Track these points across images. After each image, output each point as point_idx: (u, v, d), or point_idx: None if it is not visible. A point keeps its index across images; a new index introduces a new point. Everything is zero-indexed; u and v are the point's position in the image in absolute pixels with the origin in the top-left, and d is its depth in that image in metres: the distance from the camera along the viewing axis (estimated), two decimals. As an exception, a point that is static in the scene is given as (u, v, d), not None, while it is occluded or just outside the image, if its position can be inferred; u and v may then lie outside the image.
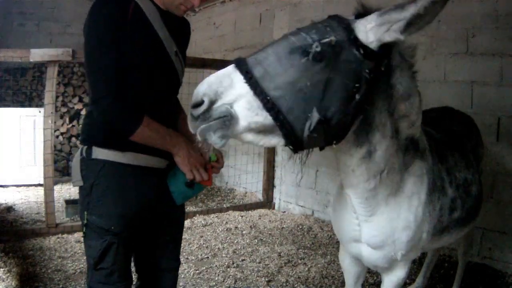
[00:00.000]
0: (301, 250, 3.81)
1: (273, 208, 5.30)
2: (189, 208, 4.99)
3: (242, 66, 1.16)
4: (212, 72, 1.23)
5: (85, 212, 1.62)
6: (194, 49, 7.08)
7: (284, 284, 3.14)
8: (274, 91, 1.14)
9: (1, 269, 3.13)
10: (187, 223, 4.48)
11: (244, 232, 4.28)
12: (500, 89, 3.33)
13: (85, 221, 1.63)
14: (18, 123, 5.71)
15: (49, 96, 3.91)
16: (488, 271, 3.30)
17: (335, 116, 1.18)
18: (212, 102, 1.14)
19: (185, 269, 3.31)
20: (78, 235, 3.93)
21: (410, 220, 1.57)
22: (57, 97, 6.03)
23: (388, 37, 1.19)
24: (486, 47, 3.39)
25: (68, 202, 4.68)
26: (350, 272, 1.96)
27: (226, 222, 4.58)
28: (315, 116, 1.15)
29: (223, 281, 3.14)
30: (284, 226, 4.52)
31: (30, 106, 6.68)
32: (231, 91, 1.14)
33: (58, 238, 3.86)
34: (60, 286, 2.95)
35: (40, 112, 5.42)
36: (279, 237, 4.15)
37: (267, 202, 5.29)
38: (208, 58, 5.74)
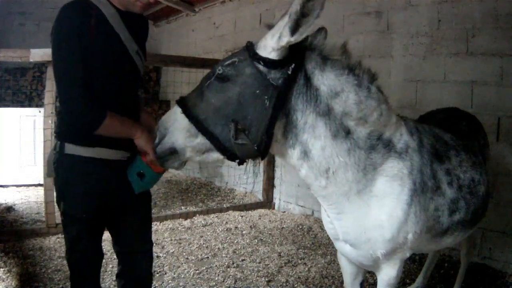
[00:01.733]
0: (301, 250, 3.81)
1: (273, 208, 5.30)
2: (189, 208, 5.00)
3: (181, 102, 1.47)
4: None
5: (61, 202, 1.82)
6: (194, 49, 7.08)
7: (284, 284, 3.14)
8: (201, 115, 1.42)
9: (1, 269, 3.13)
10: (187, 223, 4.49)
11: (244, 232, 4.28)
12: (500, 89, 3.33)
13: (62, 210, 1.84)
14: (18, 123, 5.70)
15: (49, 96, 3.91)
16: (488, 271, 3.30)
17: (253, 123, 1.38)
18: (162, 137, 1.50)
19: (185, 269, 3.31)
20: (78, 235, 3.93)
21: (382, 219, 1.57)
22: (57, 97, 6.02)
23: (282, 43, 1.34)
24: (486, 47, 3.39)
25: (68, 202, 4.68)
26: (347, 271, 1.98)
27: (226, 222, 4.59)
28: (232, 126, 1.37)
29: (223, 281, 3.15)
30: (284, 226, 4.53)
31: (30, 106, 6.69)
32: (175, 124, 1.47)
33: (58, 238, 3.86)
34: (60, 286, 2.95)
35: (40, 112, 5.41)
36: (279, 237, 4.15)
37: (267, 202, 5.29)
38: (208, 58, 5.75)
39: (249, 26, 5.92)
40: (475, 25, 3.45)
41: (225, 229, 4.34)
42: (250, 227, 4.45)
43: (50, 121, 3.91)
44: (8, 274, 3.07)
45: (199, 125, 1.41)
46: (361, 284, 2.00)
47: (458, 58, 3.57)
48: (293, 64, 1.39)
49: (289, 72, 1.38)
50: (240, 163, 1.49)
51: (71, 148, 1.76)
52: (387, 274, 1.73)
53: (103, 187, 1.80)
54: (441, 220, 1.73)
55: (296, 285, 3.12)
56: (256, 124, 1.38)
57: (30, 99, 6.99)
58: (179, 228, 4.33)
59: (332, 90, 1.44)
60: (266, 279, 3.18)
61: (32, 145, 5.59)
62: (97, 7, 1.69)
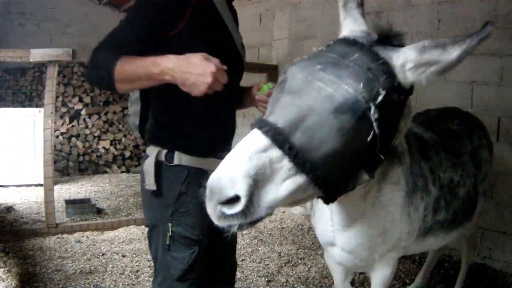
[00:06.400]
0: (301, 250, 3.81)
1: (273, 208, 5.29)
2: (189, 208, 4.99)
3: (279, 138, 0.94)
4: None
5: (169, 224, 1.54)
6: (194, 49, 7.07)
7: (284, 284, 3.14)
8: (320, 163, 0.95)
9: (1, 269, 3.13)
10: (187, 223, 4.48)
11: (244, 232, 4.28)
12: (500, 89, 3.33)
13: (170, 233, 1.55)
14: (18, 123, 5.71)
15: (49, 96, 3.91)
16: (488, 271, 3.30)
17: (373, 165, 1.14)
18: (251, 197, 0.93)
19: (185, 269, 3.31)
20: (78, 235, 3.93)
21: (385, 227, 1.55)
22: (57, 97, 6.03)
23: (424, 80, 1.10)
24: (486, 47, 3.38)
25: (68, 202, 4.68)
26: (336, 271, 1.96)
27: (226, 222, 4.58)
28: (364, 177, 1.09)
29: (223, 281, 3.14)
30: (284, 226, 4.52)
31: (30, 106, 6.68)
32: (275, 179, 0.94)
33: (58, 238, 3.86)
34: (60, 286, 2.95)
35: (40, 112, 5.41)
36: (279, 237, 4.15)
37: (267, 202, 5.28)
38: (208, 58, 5.73)
39: (249, 26, 5.91)
40: (475, 25, 3.44)
41: (225, 229, 4.34)
42: (250, 227, 4.44)
43: (50, 121, 3.92)
44: (8, 274, 3.07)
45: (319, 180, 0.97)
46: (352, 282, 1.99)
47: (458, 58, 3.56)
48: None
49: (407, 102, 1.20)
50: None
51: (184, 158, 1.52)
52: (383, 273, 1.72)
53: None
54: (427, 218, 1.72)
55: (296, 285, 3.12)
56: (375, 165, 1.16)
57: (30, 99, 6.98)
58: (179, 228, 4.33)
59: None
60: (266, 279, 3.18)
61: (32, 145, 5.60)
62: None
